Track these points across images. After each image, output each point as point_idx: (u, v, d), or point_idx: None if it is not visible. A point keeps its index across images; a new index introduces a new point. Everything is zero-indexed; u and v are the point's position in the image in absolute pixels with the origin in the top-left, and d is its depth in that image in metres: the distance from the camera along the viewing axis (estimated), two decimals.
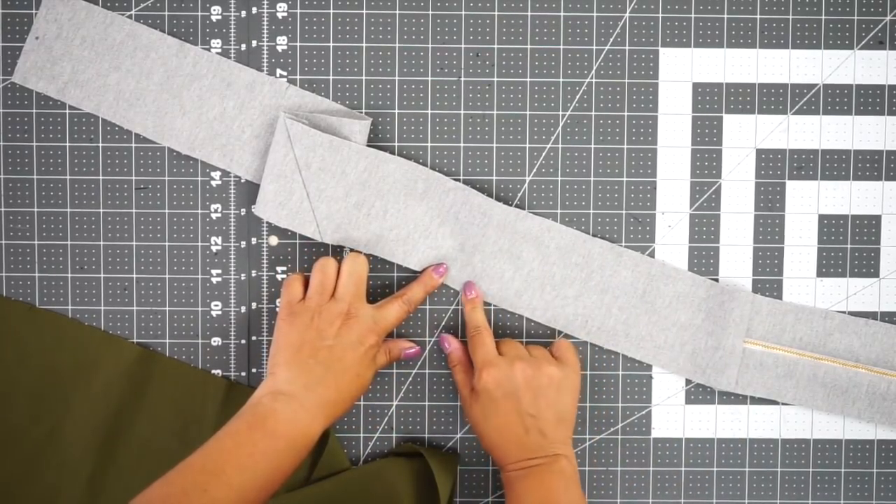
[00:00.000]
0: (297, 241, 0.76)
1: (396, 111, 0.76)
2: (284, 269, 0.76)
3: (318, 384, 0.68)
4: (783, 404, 0.76)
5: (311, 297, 0.70)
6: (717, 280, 0.76)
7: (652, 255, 0.76)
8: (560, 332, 0.76)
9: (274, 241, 0.76)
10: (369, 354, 0.70)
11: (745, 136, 0.76)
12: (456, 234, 0.75)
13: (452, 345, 0.75)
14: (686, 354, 0.75)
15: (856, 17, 0.76)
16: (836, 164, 0.77)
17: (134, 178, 0.76)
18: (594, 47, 0.76)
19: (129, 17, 0.75)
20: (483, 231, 0.75)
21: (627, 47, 0.76)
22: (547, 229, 0.75)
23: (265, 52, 0.76)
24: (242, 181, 0.76)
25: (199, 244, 0.77)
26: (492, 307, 0.76)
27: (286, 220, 0.73)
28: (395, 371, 0.77)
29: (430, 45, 0.76)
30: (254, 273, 0.77)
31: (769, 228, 0.77)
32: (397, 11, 0.76)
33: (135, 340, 0.76)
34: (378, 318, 0.71)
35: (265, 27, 0.76)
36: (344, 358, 0.69)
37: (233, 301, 0.77)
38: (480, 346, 0.72)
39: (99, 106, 0.75)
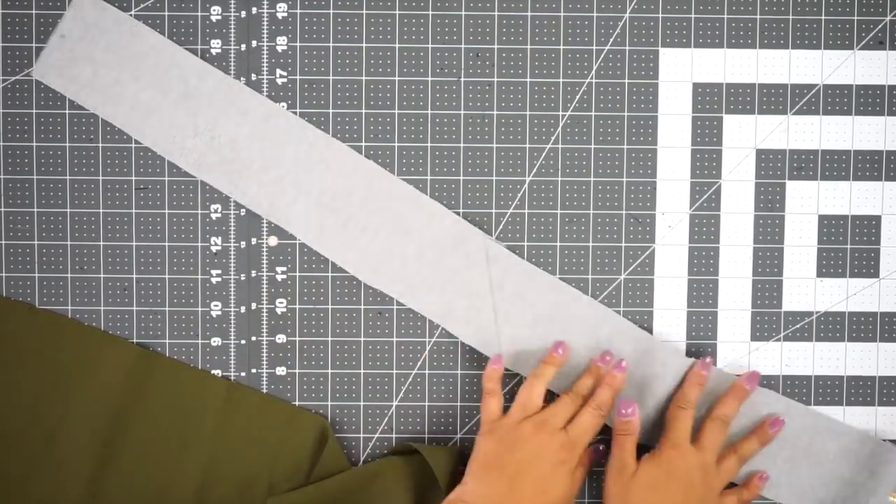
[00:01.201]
0: (297, 242, 0.76)
1: (396, 111, 0.76)
2: (284, 269, 0.76)
3: (500, 498, 0.69)
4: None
5: (511, 414, 0.72)
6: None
7: (652, 255, 0.76)
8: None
9: (273, 241, 0.76)
10: (562, 471, 0.70)
11: (745, 136, 0.76)
12: (631, 387, 0.75)
13: (636, 414, 0.72)
14: None
15: (856, 17, 0.76)
16: (836, 165, 0.77)
17: (134, 178, 0.76)
18: (594, 47, 0.76)
19: (129, 17, 0.75)
20: (662, 376, 0.75)
21: (627, 47, 0.76)
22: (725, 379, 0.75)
23: (265, 52, 0.76)
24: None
25: (199, 244, 0.77)
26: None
27: (471, 337, 0.75)
28: (394, 371, 0.77)
29: (430, 45, 0.76)
30: (253, 273, 0.77)
31: (769, 229, 0.77)
32: (397, 11, 0.76)
33: (135, 340, 0.76)
34: (571, 434, 0.71)
35: (265, 27, 0.76)
36: (532, 470, 0.69)
37: (233, 301, 0.77)
38: (682, 423, 0.72)
39: (114, 114, 0.75)
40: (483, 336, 0.75)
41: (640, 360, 0.75)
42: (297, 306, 0.77)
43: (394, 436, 0.77)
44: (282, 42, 0.76)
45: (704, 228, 0.77)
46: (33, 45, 0.75)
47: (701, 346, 0.77)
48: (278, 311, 0.77)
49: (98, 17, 0.75)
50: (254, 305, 0.77)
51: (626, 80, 0.76)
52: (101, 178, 0.76)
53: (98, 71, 0.75)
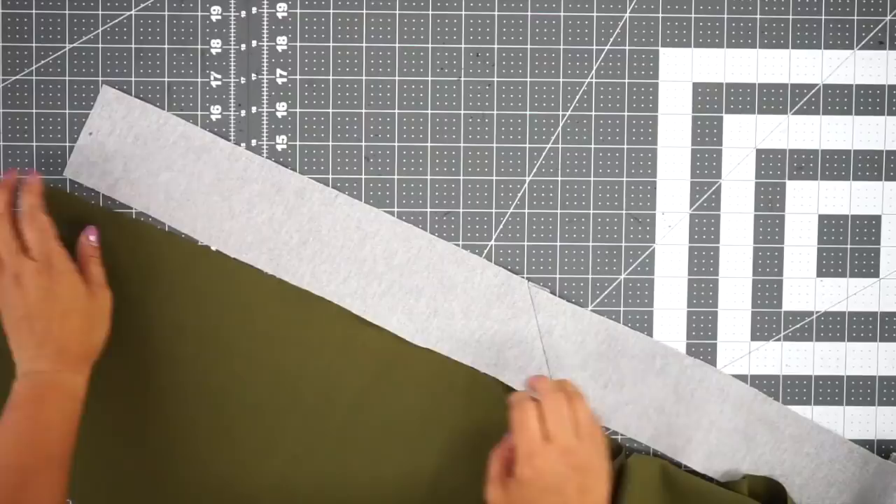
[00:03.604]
0: None
1: (396, 111, 0.76)
2: None
3: (37, 347, 0.67)
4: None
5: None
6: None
7: (652, 255, 0.76)
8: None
9: None
10: (66, 293, 0.68)
11: (745, 136, 0.76)
12: (691, 411, 0.75)
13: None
14: None
15: (856, 17, 0.76)
16: (836, 164, 0.77)
17: None
18: (594, 47, 0.76)
19: (129, 17, 0.75)
20: (720, 408, 0.75)
21: (627, 47, 0.76)
22: (783, 416, 0.76)
23: (265, 52, 0.76)
24: None
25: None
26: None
27: (525, 385, 0.74)
28: None
29: (430, 45, 0.76)
30: None
31: (769, 228, 0.77)
32: (397, 11, 0.76)
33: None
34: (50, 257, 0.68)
35: (265, 27, 0.76)
36: (43, 314, 0.67)
37: None
38: (525, 428, 0.64)
39: (149, 204, 0.75)
40: None
41: (696, 389, 0.75)
42: None
43: None
44: (282, 42, 0.76)
45: (704, 228, 0.77)
46: (33, 44, 0.75)
47: (701, 346, 0.77)
48: None
49: (125, 110, 0.74)
50: None
51: (626, 80, 0.76)
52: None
53: (129, 164, 0.74)
